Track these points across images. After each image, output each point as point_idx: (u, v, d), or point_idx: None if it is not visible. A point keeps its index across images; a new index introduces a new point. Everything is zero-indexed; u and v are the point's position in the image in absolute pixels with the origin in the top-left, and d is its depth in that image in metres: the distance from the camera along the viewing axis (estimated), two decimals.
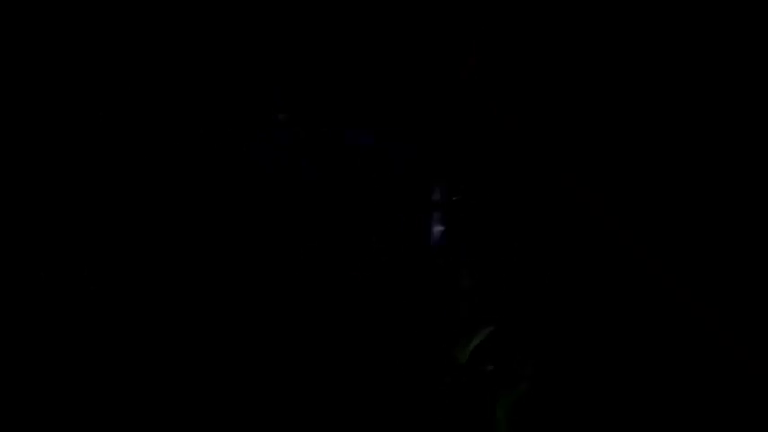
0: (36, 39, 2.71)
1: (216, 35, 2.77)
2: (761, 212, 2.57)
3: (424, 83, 2.82)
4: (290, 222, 2.68)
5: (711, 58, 2.64)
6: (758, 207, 2.57)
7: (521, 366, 2.63)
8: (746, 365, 2.45)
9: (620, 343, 2.63)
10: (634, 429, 2.54)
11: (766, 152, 2.59)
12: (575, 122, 2.77)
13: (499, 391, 2.61)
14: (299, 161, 2.69)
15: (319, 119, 2.70)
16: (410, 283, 2.75)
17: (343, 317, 2.73)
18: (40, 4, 2.65)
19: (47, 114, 2.78)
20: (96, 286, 2.71)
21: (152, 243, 2.76)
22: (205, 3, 2.77)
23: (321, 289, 2.73)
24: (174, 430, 2.60)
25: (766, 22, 2.43)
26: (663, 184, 2.68)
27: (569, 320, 2.67)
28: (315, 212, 2.68)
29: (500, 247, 2.75)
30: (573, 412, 2.59)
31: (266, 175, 2.70)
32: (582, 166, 2.73)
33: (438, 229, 2.76)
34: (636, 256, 2.65)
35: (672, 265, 2.63)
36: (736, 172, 2.61)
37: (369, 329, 2.72)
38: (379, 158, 2.73)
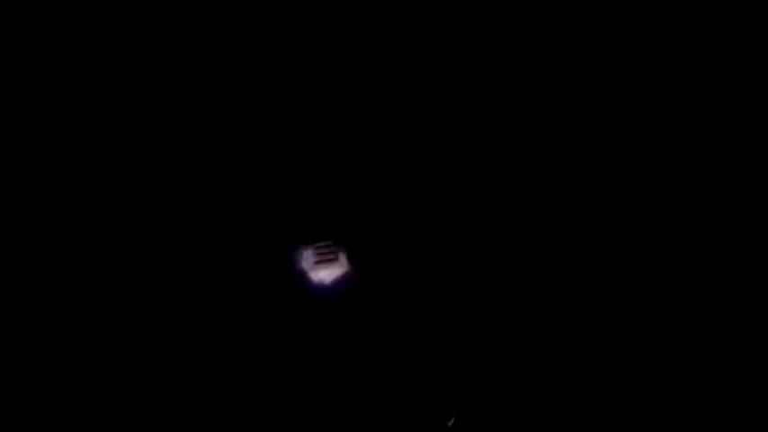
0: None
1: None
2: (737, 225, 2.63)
3: None
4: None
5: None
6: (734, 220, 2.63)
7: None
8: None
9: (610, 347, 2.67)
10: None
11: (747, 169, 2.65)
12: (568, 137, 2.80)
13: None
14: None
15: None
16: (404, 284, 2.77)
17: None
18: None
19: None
20: (99, 287, 2.72)
21: (153, 247, 2.77)
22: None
23: None
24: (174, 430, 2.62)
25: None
26: (650, 196, 2.73)
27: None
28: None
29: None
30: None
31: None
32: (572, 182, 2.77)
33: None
34: (624, 270, 2.69)
35: (655, 273, 2.67)
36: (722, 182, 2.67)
37: (365, 328, 2.74)
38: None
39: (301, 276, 2.74)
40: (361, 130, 2.84)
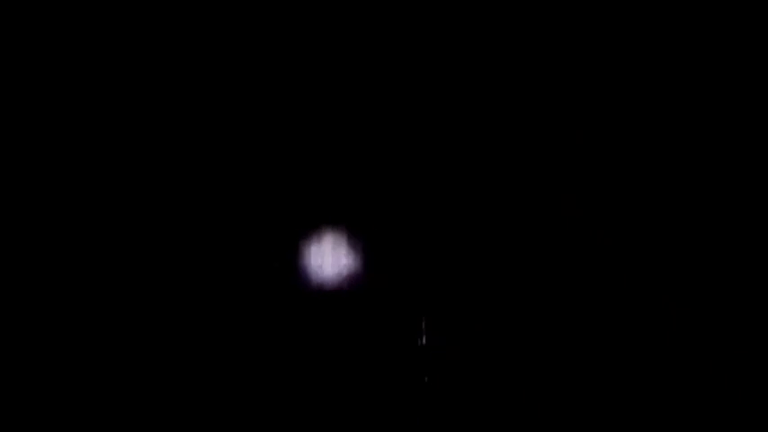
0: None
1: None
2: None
3: None
4: None
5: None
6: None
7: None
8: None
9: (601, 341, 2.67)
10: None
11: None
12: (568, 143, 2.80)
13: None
14: None
15: None
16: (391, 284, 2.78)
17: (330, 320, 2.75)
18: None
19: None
20: (98, 289, 2.72)
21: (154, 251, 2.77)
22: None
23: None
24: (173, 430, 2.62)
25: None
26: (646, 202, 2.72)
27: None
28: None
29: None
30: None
31: None
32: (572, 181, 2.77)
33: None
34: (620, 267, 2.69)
35: (655, 273, 2.67)
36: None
37: (353, 329, 2.74)
38: None
39: (306, 270, 2.75)
40: (364, 127, 2.84)
